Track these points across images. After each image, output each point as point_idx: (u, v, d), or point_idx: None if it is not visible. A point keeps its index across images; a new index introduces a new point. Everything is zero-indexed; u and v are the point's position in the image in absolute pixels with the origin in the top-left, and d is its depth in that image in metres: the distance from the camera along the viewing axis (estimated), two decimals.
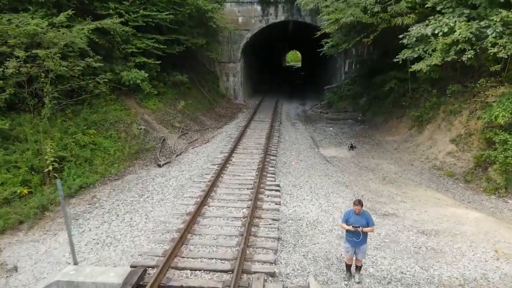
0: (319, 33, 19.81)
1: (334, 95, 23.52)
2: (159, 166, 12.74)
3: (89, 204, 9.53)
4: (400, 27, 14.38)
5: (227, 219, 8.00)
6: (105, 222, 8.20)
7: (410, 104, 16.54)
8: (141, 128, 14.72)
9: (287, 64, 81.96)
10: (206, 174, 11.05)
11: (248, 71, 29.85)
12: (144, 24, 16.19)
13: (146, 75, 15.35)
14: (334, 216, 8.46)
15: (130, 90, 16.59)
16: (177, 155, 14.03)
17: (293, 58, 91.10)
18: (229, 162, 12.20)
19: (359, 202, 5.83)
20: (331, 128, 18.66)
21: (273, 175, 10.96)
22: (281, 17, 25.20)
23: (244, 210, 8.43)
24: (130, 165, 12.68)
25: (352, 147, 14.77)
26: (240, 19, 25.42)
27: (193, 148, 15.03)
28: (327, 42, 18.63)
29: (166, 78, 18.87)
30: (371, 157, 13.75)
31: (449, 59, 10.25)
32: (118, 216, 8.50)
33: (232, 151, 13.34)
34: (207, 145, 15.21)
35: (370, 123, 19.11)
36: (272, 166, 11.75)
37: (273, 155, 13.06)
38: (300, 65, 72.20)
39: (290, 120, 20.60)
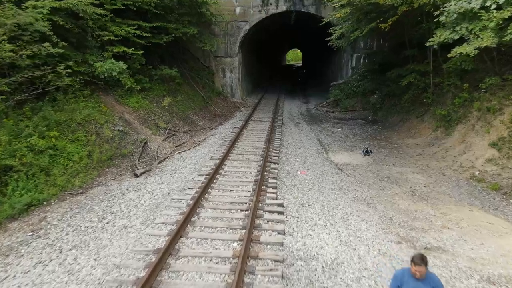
0: (326, 20, 17.48)
1: (341, 93, 21.11)
2: (136, 175, 10.36)
3: (32, 231, 7.11)
4: (426, 8, 11.96)
5: (210, 261, 5.59)
6: (39, 263, 5.79)
7: (433, 101, 14.14)
8: (118, 130, 12.32)
9: (288, 63, 79.71)
10: (189, 188, 8.65)
11: (246, 67, 27.44)
12: (124, 7, 13.79)
13: (125, 66, 12.93)
14: (359, 252, 6.06)
15: (109, 85, 14.21)
16: (159, 162, 11.64)
17: (294, 57, 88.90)
18: (220, 171, 9.81)
19: (421, 260, 3.43)
20: (340, 129, 16.24)
21: (274, 190, 8.57)
22: (283, 7, 22.79)
23: (235, 244, 6.03)
24: (100, 175, 10.27)
25: (367, 152, 12.36)
26: (237, 10, 23.02)
27: (179, 153, 12.63)
28: (335, 30, 16.16)
29: (153, 72, 16.47)
30: (391, 164, 11.35)
31: (507, 39, 7.80)
32: (60, 252, 6.09)
33: (225, 157, 10.95)
34: (196, 149, 12.80)
35: (384, 123, 16.70)
36: (273, 177, 9.35)
37: (274, 162, 10.66)
38: (300, 64, 69.99)
39: (293, 120, 18.19)
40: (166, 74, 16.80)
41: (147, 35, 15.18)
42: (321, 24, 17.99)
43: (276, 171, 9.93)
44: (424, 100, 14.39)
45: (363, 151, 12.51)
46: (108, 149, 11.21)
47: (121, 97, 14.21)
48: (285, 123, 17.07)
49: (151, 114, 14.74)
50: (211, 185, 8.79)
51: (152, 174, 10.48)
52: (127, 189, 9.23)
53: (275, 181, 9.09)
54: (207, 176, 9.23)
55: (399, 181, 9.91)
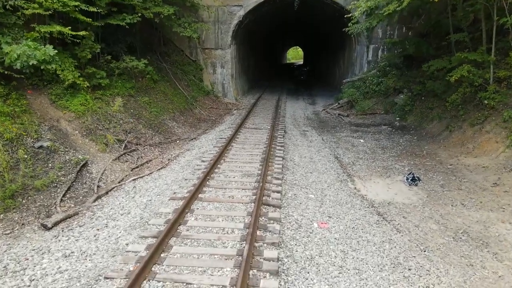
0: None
1: (356, 92, 16.80)
2: (45, 228, 6.11)
3: None
4: None
5: None
6: None
7: (498, 102, 9.85)
8: (40, 146, 8.06)
9: (288, 62, 75.55)
10: (122, 265, 4.41)
11: (241, 63, 23.13)
12: None
13: (53, 52, 8.61)
14: None
15: (43, 80, 9.98)
16: (97, 198, 7.38)
17: (294, 55, 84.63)
18: (179, 230, 5.52)
19: None
20: (361, 140, 11.94)
21: (275, 276, 4.32)
22: None
23: None
24: None
25: (414, 180, 8.08)
26: None
27: (134, 180, 8.34)
28: (360, 6, 11.87)
29: (113, 65, 12.18)
30: (459, 203, 7.05)
31: None
32: None
33: (195, 195, 6.67)
34: (159, 175, 8.50)
35: (418, 132, 12.39)
36: (271, 243, 5.07)
37: (273, 206, 6.37)
38: (301, 63, 65.70)
39: (298, 127, 13.87)
40: (132, 67, 12.50)
41: (101, 11, 10.91)
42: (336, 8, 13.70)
43: (278, 226, 5.62)
44: (485, 101, 10.09)
45: (406, 178, 8.22)
46: (11, 180, 6.94)
47: (59, 97, 9.93)
48: (288, 132, 12.76)
49: (104, 121, 10.45)
50: (156, 265, 4.51)
51: (73, 224, 6.21)
52: (16, 258, 4.98)
53: (275, 254, 4.80)
54: (153, 241, 4.97)
55: (489, 242, 5.61)
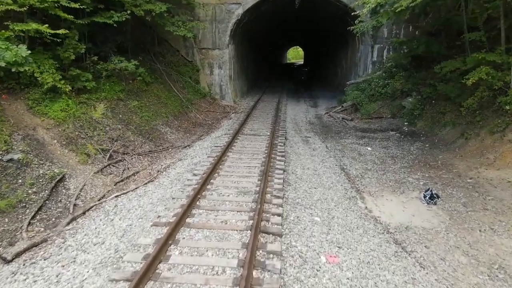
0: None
1: (361, 94, 15.79)
2: (4, 261, 5.14)
3: None
4: None
5: None
6: None
7: None
8: (10, 159, 7.07)
9: (288, 62, 74.55)
10: None
11: (240, 63, 22.13)
12: None
13: (26, 53, 7.60)
14: None
15: (20, 84, 9.00)
16: (72, 220, 6.41)
17: (294, 55, 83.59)
18: (163, 264, 4.54)
19: None
20: (368, 148, 10.94)
21: None
22: None
23: None
24: None
25: (432, 198, 7.08)
26: None
27: (117, 197, 7.36)
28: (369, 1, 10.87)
29: (100, 66, 11.18)
30: (487, 227, 6.06)
31: None
32: None
33: (183, 217, 5.69)
34: (145, 191, 7.50)
35: (430, 139, 11.39)
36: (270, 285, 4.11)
37: (273, 234, 5.38)
38: (302, 62, 64.64)
39: (300, 133, 12.87)
40: (120, 68, 11.50)
41: (85, 8, 9.92)
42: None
43: (279, 263, 4.63)
44: (506, 107, 9.08)
45: (424, 195, 7.22)
46: None
47: (37, 102, 8.93)
48: (289, 138, 11.76)
49: (88, 128, 9.45)
50: None
51: (38, 256, 5.23)
52: None
53: None
54: (130, 283, 4.01)
55: None
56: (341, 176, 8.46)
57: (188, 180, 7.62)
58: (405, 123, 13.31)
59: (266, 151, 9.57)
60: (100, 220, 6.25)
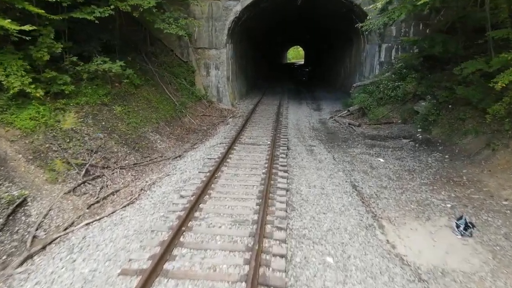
0: None
1: (368, 97, 14.52)
2: None
3: None
4: None
5: None
6: None
7: None
8: None
9: (288, 61, 73.32)
10: None
11: (239, 63, 20.86)
12: None
13: None
14: None
15: None
16: (27, 258, 5.16)
17: (294, 55, 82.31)
18: None
19: None
20: (380, 160, 9.67)
21: None
22: None
23: None
24: None
25: (466, 227, 5.82)
26: None
27: (88, 224, 6.10)
28: None
29: (79, 67, 9.91)
30: None
31: None
32: None
33: (160, 261, 4.44)
34: (121, 218, 6.23)
35: (448, 149, 10.11)
36: None
37: (275, 287, 4.15)
38: (302, 62, 63.33)
39: (303, 141, 11.59)
40: (103, 70, 10.23)
41: (62, 1, 8.67)
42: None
43: None
44: None
45: (456, 225, 5.94)
46: None
47: (1, 110, 7.68)
48: (292, 148, 10.49)
49: (62, 139, 8.19)
50: None
51: None
52: None
53: None
54: None
55: None
56: (353, 196, 7.19)
57: (173, 204, 6.35)
58: (419, 130, 12.04)
59: (266, 165, 8.31)
60: (61, 260, 4.99)
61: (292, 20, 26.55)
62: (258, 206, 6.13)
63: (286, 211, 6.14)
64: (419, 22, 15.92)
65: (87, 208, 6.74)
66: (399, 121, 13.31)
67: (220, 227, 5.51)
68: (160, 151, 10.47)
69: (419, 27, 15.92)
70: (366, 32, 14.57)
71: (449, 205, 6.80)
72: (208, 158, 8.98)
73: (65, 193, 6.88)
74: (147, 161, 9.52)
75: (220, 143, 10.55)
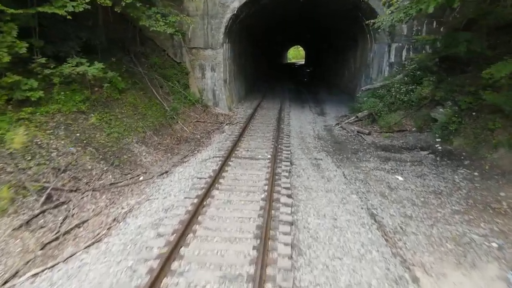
0: None
1: (379, 102, 13.07)
2: None
3: None
4: None
5: None
6: None
7: None
8: None
9: (289, 61, 71.89)
10: None
11: (237, 63, 19.41)
12: None
13: None
14: None
15: None
16: None
17: (295, 55, 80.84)
18: None
19: None
20: (399, 178, 8.22)
21: None
22: None
23: None
24: None
25: None
26: None
27: (34, 277, 4.67)
28: None
29: (49, 71, 8.46)
30: None
31: None
32: None
33: None
34: (79, 267, 4.77)
35: (476, 164, 8.64)
36: None
37: None
38: (303, 62, 61.80)
39: (308, 152, 10.15)
40: (77, 73, 8.79)
41: None
42: None
43: None
44: None
45: None
46: None
47: None
48: (296, 162, 9.05)
49: (22, 156, 6.75)
50: None
51: None
52: None
53: None
54: None
55: None
56: (373, 231, 5.76)
57: (147, 248, 4.92)
58: (437, 140, 10.60)
59: (266, 187, 6.88)
60: None
61: (292, 19, 25.07)
62: (255, 252, 4.71)
63: (291, 256, 4.72)
64: (432, 20, 14.47)
65: (41, 249, 5.32)
66: (414, 129, 11.87)
67: (204, 286, 4.08)
68: (144, 166, 9.04)
69: (432, 25, 14.47)
70: (379, 30, 13.10)
71: (494, 245, 5.38)
72: (198, 178, 7.54)
73: (14, 229, 5.46)
74: (127, 179, 8.09)
75: (213, 157, 9.10)
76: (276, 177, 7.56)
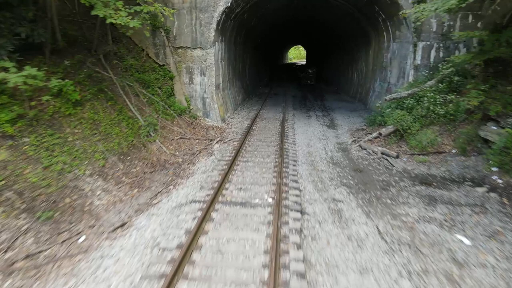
0: None
1: (407, 115, 10.29)
2: None
3: None
4: None
5: None
6: None
7: None
8: None
9: (289, 61, 69.22)
10: None
11: (232, 65, 16.65)
12: None
13: None
14: None
15: None
16: None
17: (295, 54, 78.21)
18: None
19: None
20: (463, 238, 5.48)
21: None
22: None
23: None
24: None
25: None
26: None
27: None
28: None
29: None
30: None
31: None
32: None
33: None
34: None
35: None
36: None
37: None
38: (304, 63, 59.00)
39: (323, 188, 7.39)
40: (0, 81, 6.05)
41: None
42: None
43: None
44: None
45: None
46: None
47: None
48: (308, 208, 6.30)
49: None
50: None
51: None
52: None
53: None
54: None
55: None
56: None
57: None
58: (493, 169, 7.84)
59: (266, 274, 4.13)
60: None
61: (293, 19, 22.27)
62: None
63: None
64: (468, 13, 11.75)
65: None
66: (454, 151, 9.12)
67: None
68: (94, 214, 6.30)
69: (467, 19, 11.76)
70: (402, 26, 10.35)
71: None
72: (167, 239, 4.79)
73: None
74: (59, 243, 5.34)
75: (192, 201, 6.33)
76: (282, 244, 4.81)
